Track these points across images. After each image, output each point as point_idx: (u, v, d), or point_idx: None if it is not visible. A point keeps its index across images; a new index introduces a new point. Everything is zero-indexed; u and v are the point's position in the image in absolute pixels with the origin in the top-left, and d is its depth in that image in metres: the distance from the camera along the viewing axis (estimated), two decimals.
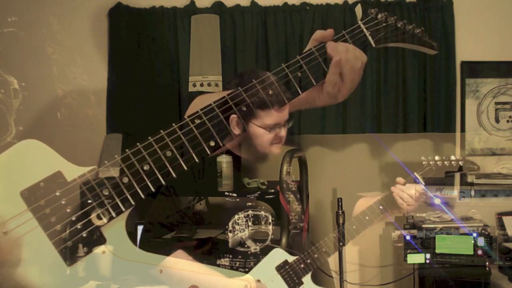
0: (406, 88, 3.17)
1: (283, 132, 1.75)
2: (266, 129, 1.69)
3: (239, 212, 1.88)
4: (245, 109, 0.87)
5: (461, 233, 2.81)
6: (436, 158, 2.27)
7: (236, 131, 1.56)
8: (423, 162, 2.27)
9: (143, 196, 0.80)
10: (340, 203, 2.24)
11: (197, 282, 0.96)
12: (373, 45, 0.98)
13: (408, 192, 2.07)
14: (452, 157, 2.29)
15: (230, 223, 1.85)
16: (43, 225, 0.76)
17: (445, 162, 2.26)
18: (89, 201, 0.78)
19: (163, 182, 0.81)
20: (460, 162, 2.28)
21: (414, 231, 2.80)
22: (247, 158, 1.82)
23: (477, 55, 3.23)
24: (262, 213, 1.92)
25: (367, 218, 2.08)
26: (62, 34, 3.00)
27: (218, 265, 1.78)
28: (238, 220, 1.86)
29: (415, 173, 2.20)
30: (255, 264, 1.84)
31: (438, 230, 2.79)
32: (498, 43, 3.22)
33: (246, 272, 1.81)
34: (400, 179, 2.13)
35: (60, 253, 0.76)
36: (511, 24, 3.23)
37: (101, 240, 0.79)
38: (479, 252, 2.71)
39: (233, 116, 0.89)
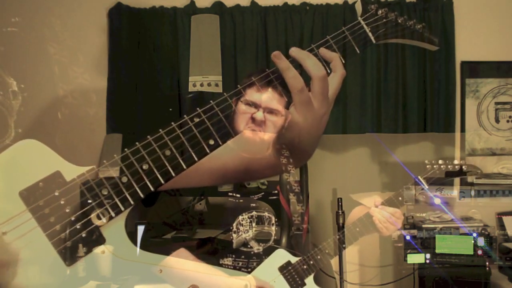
0: (406, 88, 3.17)
1: (258, 115, 1.67)
2: (245, 105, 1.64)
3: (243, 213, 1.87)
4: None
5: (461, 233, 2.81)
6: (440, 162, 2.26)
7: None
8: (427, 166, 2.25)
9: (142, 196, 0.79)
10: (340, 203, 2.24)
11: (197, 281, 0.96)
12: (373, 41, 0.97)
13: (383, 215, 1.98)
14: (455, 161, 2.28)
15: (234, 224, 1.84)
16: (42, 225, 0.76)
17: (449, 166, 2.25)
18: (89, 201, 0.78)
19: (162, 182, 0.81)
20: (463, 166, 2.27)
21: (414, 231, 2.80)
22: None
23: (477, 55, 3.23)
24: (266, 214, 1.91)
25: (370, 221, 2.06)
26: (63, 34, 3.00)
27: (221, 265, 1.78)
28: (242, 221, 1.86)
29: (419, 177, 2.19)
30: (258, 265, 1.84)
31: (438, 230, 2.79)
32: (498, 43, 3.22)
33: (249, 272, 1.81)
34: (377, 200, 2.03)
35: (59, 253, 0.76)
36: (511, 24, 3.23)
37: (100, 240, 0.79)
38: (479, 252, 2.71)
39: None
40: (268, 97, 1.63)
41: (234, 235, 1.83)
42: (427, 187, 2.17)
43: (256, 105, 1.65)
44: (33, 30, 2.95)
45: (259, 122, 1.64)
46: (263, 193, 2.14)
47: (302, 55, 0.87)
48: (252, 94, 1.60)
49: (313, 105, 0.87)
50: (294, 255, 1.93)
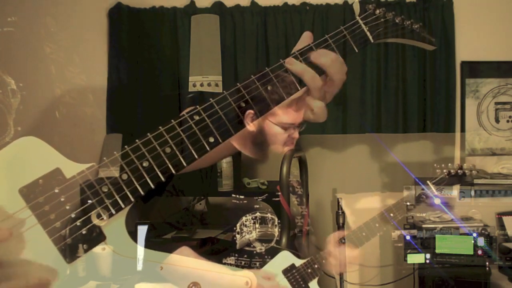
0: (406, 88, 3.17)
1: (296, 134, 1.70)
2: (282, 128, 1.64)
3: (247, 214, 1.86)
4: (259, 103, 0.87)
5: (461, 233, 2.81)
6: (450, 165, 2.24)
7: (251, 127, 1.53)
8: (437, 171, 2.22)
9: (142, 193, 0.79)
10: (340, 203, 2.24)
11: (198, 278, 0.96)
12: (372, 41, 0.97)
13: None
14: (465, 166, 2.26)
15: (238, 225, 1.83)
16: (43, 222, 0.75)
17: (459, 171, 2.22)
18: (89, 198, 0.78)
19: (163, 179, 0.80)
20: (473, 172, 2.25)
21: (414, 231, 2.80)
22: (253, 157, 1.76)
23: (477, 55, 3.23)
24: (269, 215, 1.90)
25: (377, 225, 2.05)
26: (60, 34, 2.99)
27: (224, 264, 1.77)
28: (246, 222, 1.85)
29: (428, 182, 2.17)
30: (260, 264, 1.83)
31: (438, 230, 2.79)
32: (498, 43, 3.22)
33: None
34: (335, 235, 2.00)
35: (60, 250, 0.76)
36: (511, 24, 3.23)
37: (101, 238, 0.79)
38: (479, 252, 2.71)
39: (250, 111, 0.88)
40: (300, 115, 1.64)
41: (238, 236, 1.82)
42: (436, 192, 2.15)
43: (292, 125, 1.66)
44: (33, 30, 2.95)
45: (296, 139, 1.69)
46: (266, 194, 2.14)
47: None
48: (287, 115, 1.60)
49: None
50: (298, 257, 1.91)
